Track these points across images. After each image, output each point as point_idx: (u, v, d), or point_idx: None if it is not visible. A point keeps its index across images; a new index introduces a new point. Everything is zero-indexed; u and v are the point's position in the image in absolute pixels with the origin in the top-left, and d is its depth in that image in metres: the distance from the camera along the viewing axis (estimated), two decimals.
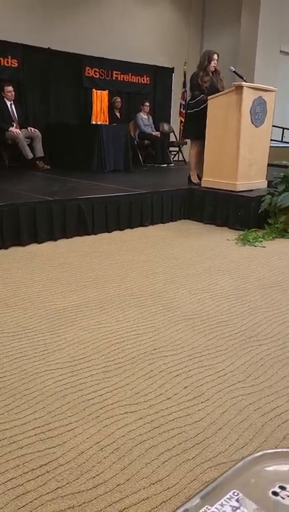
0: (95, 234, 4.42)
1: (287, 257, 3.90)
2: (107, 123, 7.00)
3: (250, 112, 4.77)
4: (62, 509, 1.26)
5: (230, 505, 0.59)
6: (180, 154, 8.96)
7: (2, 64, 6.86)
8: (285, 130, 8.80)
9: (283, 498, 0.60)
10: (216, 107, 4.87)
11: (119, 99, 8.02)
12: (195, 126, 5.23)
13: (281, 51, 9.21)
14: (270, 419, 1.68)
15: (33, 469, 1.40)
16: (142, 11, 8.71)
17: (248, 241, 4.30)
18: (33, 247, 3.91)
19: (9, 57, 6.95)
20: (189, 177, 5.58)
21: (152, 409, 1.72)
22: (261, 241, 4.35)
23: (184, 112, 8.99)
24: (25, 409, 1.69)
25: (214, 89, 5.06)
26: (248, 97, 4.71)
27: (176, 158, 8.95)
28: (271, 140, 5.51)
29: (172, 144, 8.90)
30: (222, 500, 0.60)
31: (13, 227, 3.89)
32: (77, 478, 1.38)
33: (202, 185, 5.26)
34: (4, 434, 1.56)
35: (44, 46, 7.29)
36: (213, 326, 2.48)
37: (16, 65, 7.04)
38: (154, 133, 8.20)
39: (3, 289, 2.91)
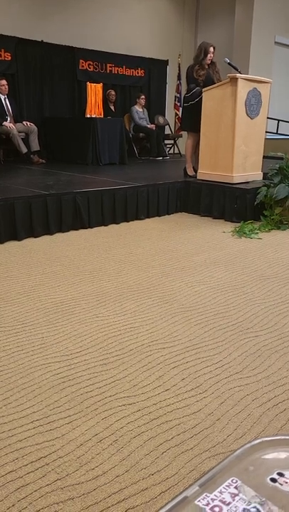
0: (91, 227, 4.42)
1: (283, 248, 3.91)
2: (102, 116, 6.97)
3: (245, 103, 4.76)
4: (62, 500, 1.27)
5: (229, 493, 0.59)
6: (175, 147, 8.94)
7: None
8: (280, 122, 8.77)
9: (281, 485, 0.61)
10: (210, 99, 4.85)
11: (113, 92, 7.99)
12: (191, 118, 5.20)
13: (276, 42, 9.16)
14: (267, 409, 1.70)
15: (32, 462, 1.41)
16: (136, 3, 8.64)
17: (244, 233, 4.31)
18: (29, 242, 3.91)
19: (2, 50, 6.89)
20: (185, 169, 5.57)
21: (150, 401, 1.72)
22: (257, 233, 4.36)
23: (178, 104, 8.97)
24: (23, 403, 1.70)
25: (210, 82, 5.03)
26: (243, 88, 4.69)
27: (171, 151, 8.93)
28: (266, 132, 5.50)
29: (167, 137, 8.87)
30: (221, 488, 0.60)
31: (9, 221, 3.88)
32: (77, 469, 1.38)
33: (198, 177, 5.25)
34: (3, 427, 1.56)
35: (37, 39, 7.23)
36: (210, 317, 2.48)
37: (9, 58, 6.99)
38: (149, 126, 8.17)
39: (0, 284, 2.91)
